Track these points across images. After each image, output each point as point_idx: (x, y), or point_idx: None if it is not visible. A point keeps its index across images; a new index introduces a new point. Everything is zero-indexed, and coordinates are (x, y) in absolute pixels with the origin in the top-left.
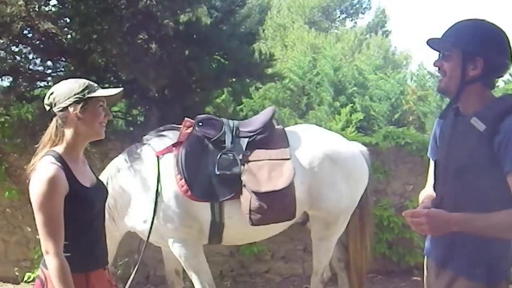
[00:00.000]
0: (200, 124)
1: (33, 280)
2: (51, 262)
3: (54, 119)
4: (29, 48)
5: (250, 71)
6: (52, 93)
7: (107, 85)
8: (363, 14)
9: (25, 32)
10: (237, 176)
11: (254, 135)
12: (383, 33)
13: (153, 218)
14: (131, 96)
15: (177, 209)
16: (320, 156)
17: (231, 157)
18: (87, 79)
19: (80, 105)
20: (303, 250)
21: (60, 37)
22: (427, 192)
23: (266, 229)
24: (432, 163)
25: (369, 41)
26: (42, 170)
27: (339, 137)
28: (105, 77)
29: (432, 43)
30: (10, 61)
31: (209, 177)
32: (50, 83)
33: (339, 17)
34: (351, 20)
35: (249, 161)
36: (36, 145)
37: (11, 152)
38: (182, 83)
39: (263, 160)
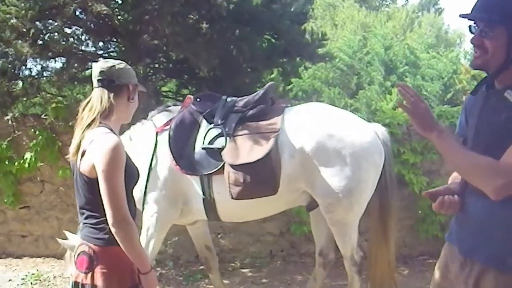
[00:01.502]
0: (198, 99)
1: None
2: (129, 228)
3: (106, 92)
4: (81, 29)
5: (301, 51)
6: (113, 67)
7: (157, 66)
8: None
9: (78, 14)
10: (221, 150)
11: (247, 110)
12: (435, 11)
13: (145, 191)
14: (181, 76)
15: (168, 181)
16: (315, 132)
17: (219, 131)
18: (138, 58)
19: (135, 88)
20: None
21: (112, 19)
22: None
23: (257, 205)
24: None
25: (421, 19)
26: (105, 140)
27: (348, 115)
28: (155, 57)
29: (469, 16)
30: (63, 43)
31: (196, 151)
32: None
33: None
34: None
35: (236, 135)
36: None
37: (64, 132)
38: (233, 63)
39: (251, 133)
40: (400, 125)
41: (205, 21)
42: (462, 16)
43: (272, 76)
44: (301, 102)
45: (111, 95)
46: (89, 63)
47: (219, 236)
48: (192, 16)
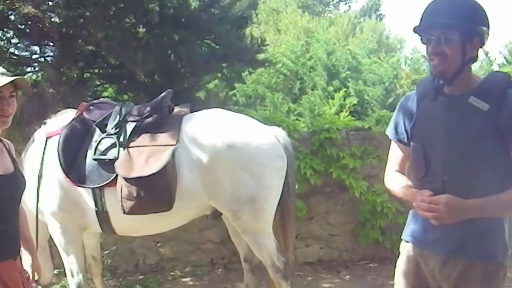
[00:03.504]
0: (91, 107)
1: None
2: None
3: None
4: (12, 32)
5: (240, 56)
6: None
7: (96, 71)
8: None
9: (9, 15)
10: (113, 162)
11: (142, 119)
12: (377, 16)
13: (37, 200)
14: (120, 81)
15: (58, 192)
16: (214, 142)
17: (112, 141)
18: (74, 63)
19: None
20: (295, 237)
21: (43, 21)
22: (399, 176)
23: (154, 220)
24: (395, 145)
25: (363, 24)
26: None
27: (247, 121)
28: (95, 62)
29: (422, 27)
30: None
31: (87, 162)
32: (37, 69)
33: (332, 0)
34: (345, 4)
35: (131, 146)
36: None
37: None
38: (171, 68)
39: (146, 145)
40: (340, 130)
41: (141, 25)
42: (417, 29)
43: (215, 81)
44: (241, 108)
45: None
46: (24, 68)
47: (158, 245)
48: (128, 20)
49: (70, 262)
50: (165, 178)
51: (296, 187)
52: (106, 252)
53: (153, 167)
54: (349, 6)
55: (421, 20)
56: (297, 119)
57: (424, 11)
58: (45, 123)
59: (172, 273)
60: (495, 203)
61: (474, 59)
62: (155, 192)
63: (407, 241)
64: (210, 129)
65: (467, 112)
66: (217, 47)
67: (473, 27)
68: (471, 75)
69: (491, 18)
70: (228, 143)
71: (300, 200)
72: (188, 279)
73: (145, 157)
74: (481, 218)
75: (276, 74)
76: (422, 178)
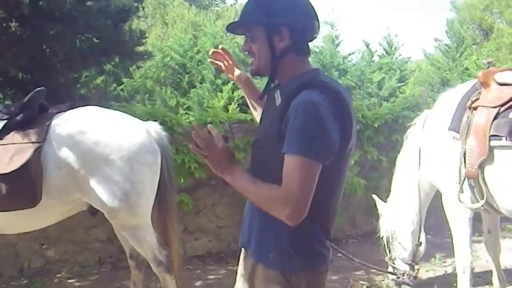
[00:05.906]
0: None
1: None
2: None
3: None
4: None
5: (119, 49)
6: None
7: None
8: None
9: None
10: None
11: (11, 117)
12: None
13: None
14: None
15: None
16: (80, 140)
17: None
18: None
19: None
20: (183, 231)
21: None
22: None
23: (26, 217)
24: None
25: None
26: None
27: (117, 117)
28: None
29: (233, 27)
30: None
31: None
32: None
33: None
34: None
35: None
36: None
37: None
38: (47, 64)
39: (14, 143)
40: (223, 123)
41: (13, 19)
42: (229, 29)
43: (102, 77)
44: (123, 103)
45: None
46: None
47: (43, 247)
48: None
49: None
50: (27, 175)
51: (182, 181)
52: None
53: (14, 164)
54: (236, 0)
55: None
56: (186, 113)
57: None
58: None
59: (59, 275)
60: (248, 184)
61: (294, 49)
62: (17, 189)
63: None
64: (77, 127)
65: (269, 105)
66: (96, 41)
67: (274, 19)
68: (301, 65)
69: (372, 14)
70: (93, 140)
71: (186, 194)
72: (75, 280)
73: (11, 155)
74: (269, 222)
75: (164, 68)
76: None
